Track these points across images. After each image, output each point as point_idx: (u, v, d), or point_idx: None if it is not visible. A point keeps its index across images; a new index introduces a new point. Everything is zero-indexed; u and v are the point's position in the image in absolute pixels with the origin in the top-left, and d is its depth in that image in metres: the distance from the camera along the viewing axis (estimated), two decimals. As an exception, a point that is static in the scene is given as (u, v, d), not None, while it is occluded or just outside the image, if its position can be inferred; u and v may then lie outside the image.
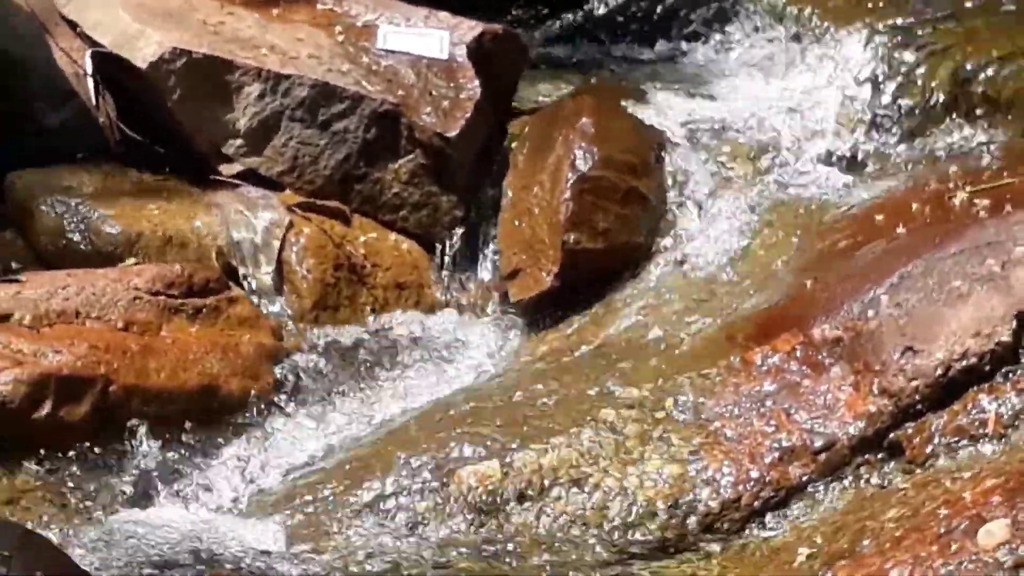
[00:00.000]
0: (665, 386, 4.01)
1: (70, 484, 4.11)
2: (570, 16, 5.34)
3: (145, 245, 4.57)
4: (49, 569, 2.98)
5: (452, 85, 4.83)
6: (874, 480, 3.74)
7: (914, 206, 4.21)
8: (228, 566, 3.75)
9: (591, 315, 4.49)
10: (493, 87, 4.89)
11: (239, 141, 4.77)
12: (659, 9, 5.27)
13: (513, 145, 4.88)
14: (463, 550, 3.79)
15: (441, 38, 4.88)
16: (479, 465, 3.89)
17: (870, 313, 3.91)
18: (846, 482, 3.76)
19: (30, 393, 4.12)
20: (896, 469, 3.74)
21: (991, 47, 4.75)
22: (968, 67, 4.69)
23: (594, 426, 3.95)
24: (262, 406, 4.31)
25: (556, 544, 3.78)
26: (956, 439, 3.70)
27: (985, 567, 3.21)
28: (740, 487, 3.80)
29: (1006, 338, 3.76)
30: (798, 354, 3.93)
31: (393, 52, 4.87)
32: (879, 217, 4.24)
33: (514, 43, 5.06)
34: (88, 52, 4.84)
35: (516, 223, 4.69)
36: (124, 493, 4.09)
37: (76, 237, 4.59)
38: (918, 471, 3.69)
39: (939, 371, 3.77)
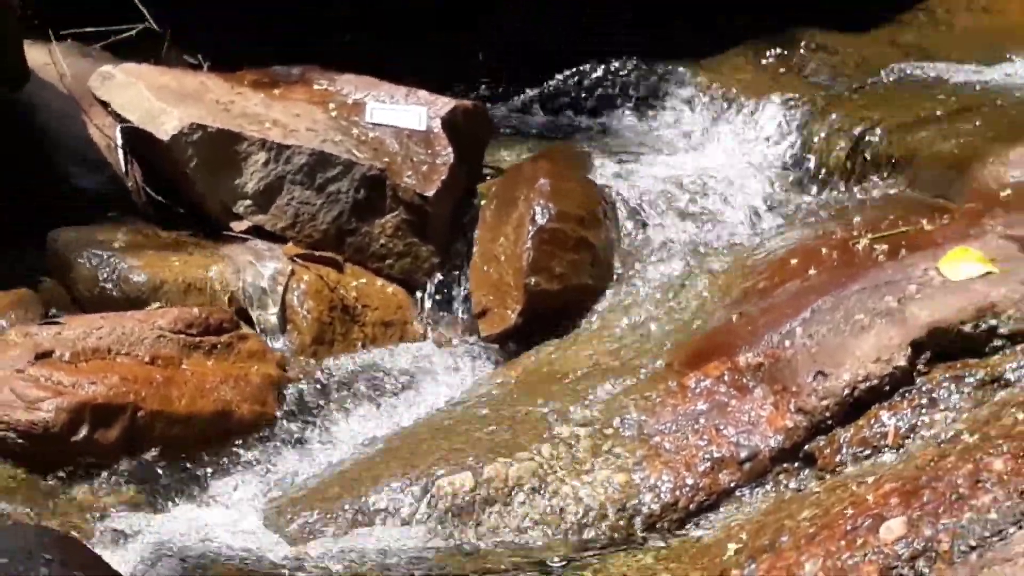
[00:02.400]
0: (613, 407, 4.01)
1: (104, 496, 4.10)
2: (529, 93, 5.36)
3: (168, 291, 4.58)
4: (85, 570, 2.97)
5: (430, 152, 4.84)
6: (791, 485, 3.75)
7: (823, 251, 4.22)
8: (238, 564, 3.75)
9: (549, 347, 4.49)
10: (464, 153, 4.91)
11: (248, 201, 4.78)
12: (603, 87, 5.29)
13: (482, 202, 4.89)
14: (442, 548, 3.80)
15: (420, 113, 4.89)
16: (455, 476, 3.89)
17: (787, 343, 3.92)
18: (767, 487, 3.78)
19: (69, 419, 4.13)
20: (810, 476, 3.76)
21: (880, 116, 4.77)
22: (867, 133, 4.70)
23: (552, 441, 3.96)
24: (269, 428, 4.32)
25: (521, 542, 3.79)
26: (861, 449, 3.72)
27: (885, 558, 3.23)
28: (677, 492, 3.81)
29: (902, 363, 3.77)
30: (726, 378, 3.94)
31: (379, 125, 4.88)
32: (793, 261, 4.25)
33: (482, 116, 5.08)
34: (118, 127, 4.86)
35: (485, 269, 4.70)
36: (151, 503, 4.08)
37: (108, 285, 4.59)
38: (828, 477, 3.70)
39: (846, 391, 3.79)
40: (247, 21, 5.35)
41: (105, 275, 4.60)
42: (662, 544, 3.72)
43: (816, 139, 4.78)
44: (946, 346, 3.77)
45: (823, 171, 4.72)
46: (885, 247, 4.11)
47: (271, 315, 4.60)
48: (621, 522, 3.79)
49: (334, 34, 5.34)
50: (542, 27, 5.51)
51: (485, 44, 5.49)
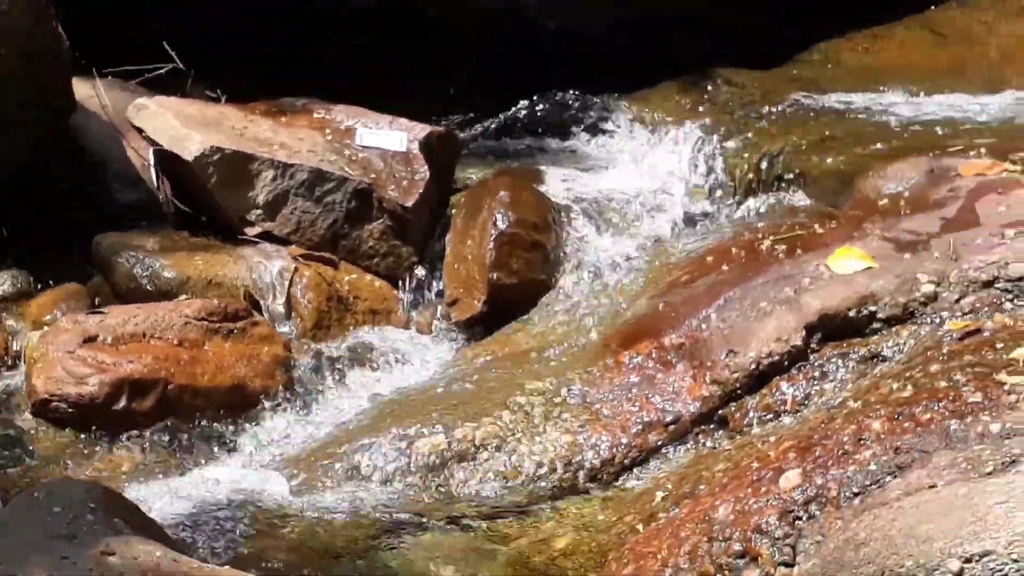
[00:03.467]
0: (561, 380, 4.01)
1: (140, 455, 4.09)
2: (493, 120, 5.33)
3: (192, 285, 4.57)
4: (125, 517, 2.97)
5: (409, 170, 4.84)
6: (708, 444, 3.77)
7: (733, 251, 4.23)
8: (253, 511, 3.75)
9: (508, 330, 4.49)
10: (438, 171, 4.91)
11: (258, 211, 4.77)
12: (556, 115, 5.27)
13: (453, 211, 4.89)
14: (421, 497, 3.80)
15: (401, 137, 4.89)
16: (430, 437, 3.90)
17: (704, 326, 3.93)
18: (688, 445, 3.79)
19: (111, 392, 4.15)
20: (723, 436, 3.77)
21: (785, 139, 4.79)
22: (770, 153, 4.72)
23: (511, 408, 3.96)
24: (277, 398, 4.32)
25: (485, 492, 3.80)
26: (764, 414, 3.74)
27: (784, 503, 3.26)
28: (615, 450, 3.82)
29: (798, 343, 3.80)
30: (653, 356, 3.95)
31: (367, 147, 4.88)
32: (710, 259, 4.26)
33: (453, 139, 5.09)
34: (151, 150, 4.85)
35: (456, 266, 4.70)
36: (179, 461, 4.08)
37: (143, 280, 4.58)
38: (738, 437, 3.73)
39: (752, 366, 3.81)
40: (257, 63, 5.33)
41: (140, 272, 4.59)
42: (602, 493, 3.73)
43: (728, 158, 4.78)
44: (834, 329, 3.79)
45: (733, 184, 4.72)
46: (784, 247, 4.12)
47: (278, 305, 4.59)
48: (568, 475, 3.79)
49: (329, 70, 5.28)
50: (502, 65, 5.49)
51: (455, 80, 5.46)
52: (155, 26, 5.27)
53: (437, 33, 5.47)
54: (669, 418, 3.81)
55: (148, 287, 4.57)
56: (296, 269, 4.66)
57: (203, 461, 4.09)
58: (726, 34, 5.44)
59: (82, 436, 4.10)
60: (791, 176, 4.60)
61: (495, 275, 4.56)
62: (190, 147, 4.74)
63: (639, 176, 4.91)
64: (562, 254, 4.63)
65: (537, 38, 5.51)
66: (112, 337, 4.22)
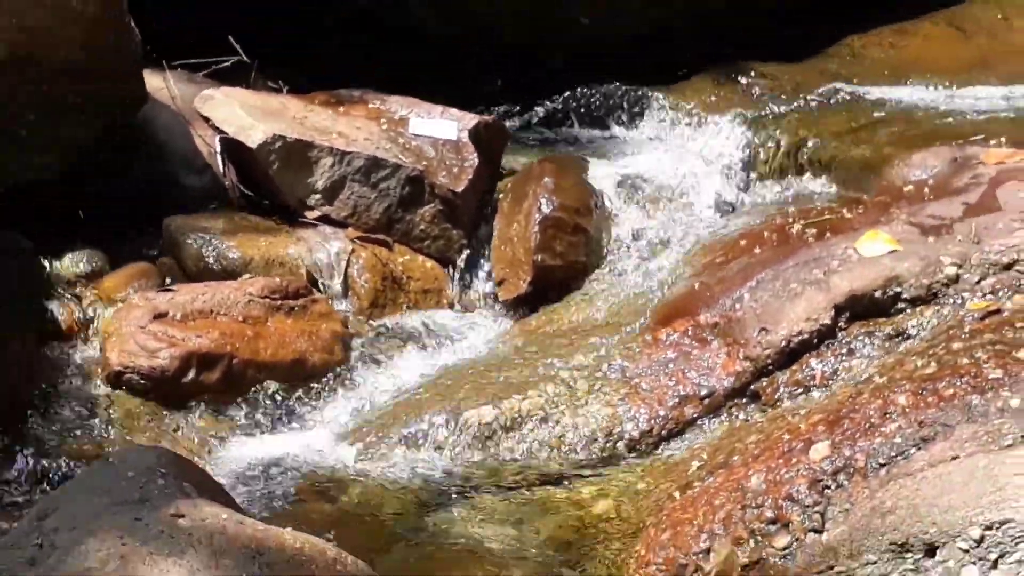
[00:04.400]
0: (602, 356, 4.01)
1: (207, 424, 4.11)
2: (536, 111, 5.33)
3: (256, 265, 4.59)
4: (193, 481, 2.98)
5: (459, 157, 4.85)
6: (741, 417, 3.76)
7: (765, 234, 4.22)
8: (315, 475, 3.76)
9: (552, 309, 4.50)
10: (486, 158, 4.91)
11: (318, 196, 4.78)
12: (595, 106, 5.27)
13: (500, 196, 4.89)
14: (469, 464, 3.82)
15: (452, 126, 4.90)
16: (479, 408, 3.91)
17: (737, 306, 3.92)
18: (722, 418, 3.78)
19: (180, 365, 4.17)
20: (755, 409, 3.76)
21: (814, 128, 4.78)
22: (801, 142, 4.70)
23: (555, 382, 3.97)
24: (335, 372, 4.33)
25: (530, 460, 3.81)
26: (795, 388, 3.73)
27: (814, 473, 3.25)
28: (652, 422, 3.82)
29: (827, 321, 3.78)
30: (689, 333, 3.94)
31: (419, 136, 4.89)
32: (743, 242, 4.25)
33: (500, 128, 5.08)
34: (217, 138, 4.87)
35: (502, 248, 4.71)
36: (243, 430, 4.11)
37: (210, 260, 4.60)
38: (770, 410, 3.72)
39: (783, 343, 3.80)
40: (317, 55, 5.34)
41: (207, 253, 4.61)
42: (640, 462, 3.73)
43: (761, 146, 4.77)
44: (861, 308, 3.78)
45: (766, 171, 4.71)
46: (814, 231, 4.11)
47: (336, 284, 4.61)
48: (608, 445, 3.80)
49: (385, 66, 5.29)
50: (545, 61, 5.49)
51: (503, 73, 5.47)
52: (221, 20, 5.26)
53: (484, 32, 5.45)
54: (704, 392, 3.80)
55: (214, 267, 4.58)
56: (353, 250, 4.67)
57: (266, 430, 4.11)
58: (760, 32, 5.41)
59: (153, 406, 4.13)
60: (821, 164, 4.58)
61: (539, 257, 4.57)
62: (254, 135, 4.76)
63: (676, 163, 4.89)
64: (603, 237, 4.63)
65: (576, 35, 5.47)
66: (181, 313, 4.25)
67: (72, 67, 4.54)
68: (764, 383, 3.76)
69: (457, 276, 4.78)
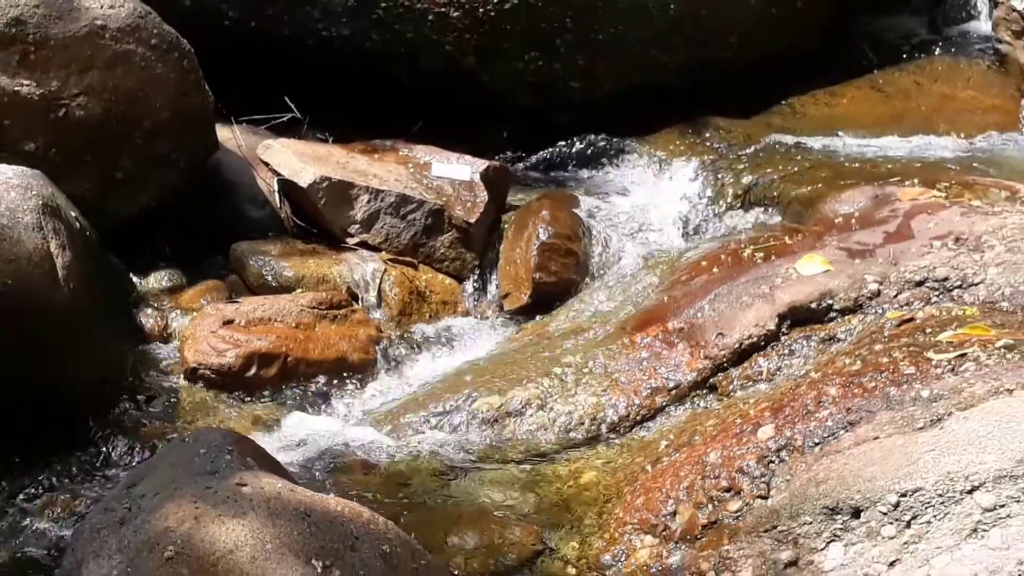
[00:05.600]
0: (589, 355, 4.00)
1: (266, 411, 4.11)
2: (534, 158, 5.35)
3: (306, 282, 4.58)
4: (254, 456, 2.99)
5: (472, 195, 4.86)
6: (701, 404, 3.75)
7: (722, 257, 4.22)
8: (355, 451, 3.77)
9: (548, 318, 4.49)
10: (494, 195, 4.91)
11: (357, 225, 4.78)
12: (584, 153, 5.29)
13: (505, 226, 4.89)
14: (480, 443, 3.82)
15: (466, 169, 4.92)
16: (488, 398, 3.91)
17: (699, 314, 3.92)
18: (686, 406, 3.77)
19: (244, 362, 4.16)
20: (713, 399, 3.75)
21: (761, 171, 4.78)
22: (752, 180, 4.71)
23: (550, 376, 3.95)
24: (371, 368, 4.32)
25: (527, 441, 3.81)
26: (746, 382, 3.73)
27: (760, 450, 3.25)
28: (629, 408, 3.82)
29: (772, 327, 3.79)
30: (660, 337, 3.93)
31: (440, 177, 4.90)
32: (703, 263, 4.25)
33: (505, 171, 5.09)
34: (275, 179, 4.87)
35: (507, 268, 4.71)
36: (296, 416, 4.09)
37: (269, 278, 4.60)
38: (725, 399, 3.71)
39: (736, 345, 3.80)
40: (356, 112, 5.36)
41: (266, 272, 4.61)
42: (619, 441, 3.73)
43: (718, 186, 4.77)
44: (800, 317, 3.78)
45: (723, 206, 4.71)
46: (762, 254, 4.10)
47: (371, 297, 4.60)
48: (593, 427, 3.79)
49: (413, 121, 5.30)
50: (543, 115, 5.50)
51: (509, 126, 5.47)
52: (279, 84, 5.29)
53: (494, 92, 5.46)
54: (671, 384, 3.80)
55: (272, 283, 4.58)
56: (385, 270, 4.67)
57: (313, 415, 4.10)
58: (717, 94, 5.42)
59: (221, 395, 4.12)
60: (767, 200, 4.58)
61: (538, 275, 4.55)
62: (305, 177, 4.76)
63: (649, 199, 4.90)
64: (590, 259, 4.62)
65: (570, 98, 5.48)
66: (245, 321, 4.25)
67: (159, 123, 4.57)
68: (720, 377, 3.76)
69: (470, 290, 4.77)
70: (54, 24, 4.36)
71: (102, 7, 4.44)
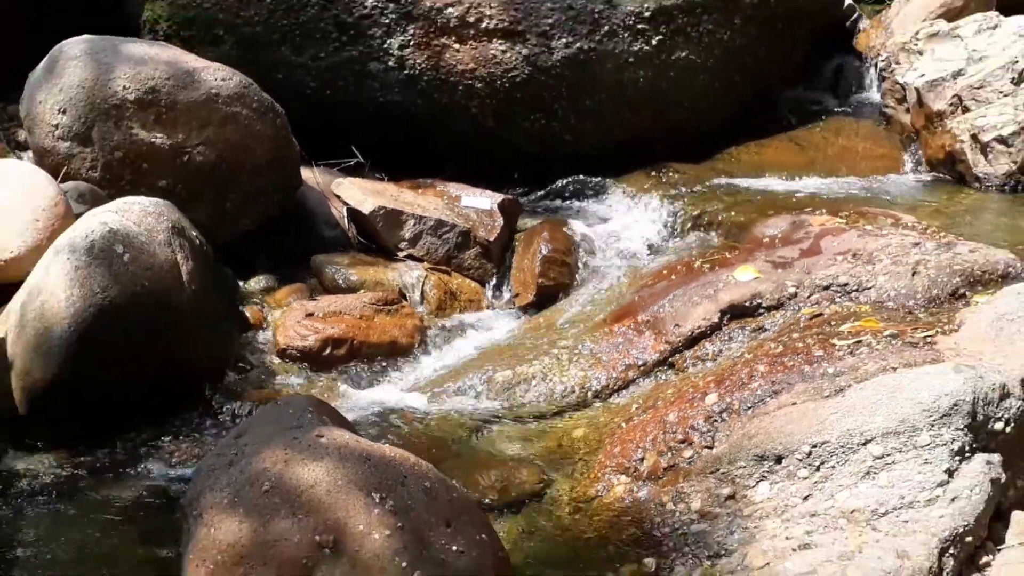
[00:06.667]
0: (578, 340, 3.99)
1: (336, 382, 4.11)
2: (538, 193, 5.34)
3: (367, 285, 4.56)
4: (328, 415, 2.99)
5: (491, 220, 4.84)
6: (663, 378, 3.74)
7: (678, 267, 4.22)
8: (404, 411, 3.75)
9: (548, 312, 4.47)
10: (508, 221, 4.89)
11: (405, 243, 4.77)
12: (574, 190, 5.27)
13: (516, 243, 4.86)
14: (497, 406, 3.81)
15: (487, 200, 4.91)
16: (503, 371, 3.90)
17: (660, 310, 3.91)
18: (651, 378, 3.76)
19: (321, 345, 4.16)
20: (672, 373, 3.74)
21: (708, 203, 4.76)
22: (700, 210, 4.69)
23: (549, 356, 3.94)
24: (417, 350, 4.30)
25: (532, 404, 3.80)
26: (696, 361, 3.72)
27: (707, 412, 3.25)
28: (609, 380, 3.81)
29: (715, 320, 3.78)
30: (632, 327, 3.93)
31: (467, 207, 4.89)
32: (664, 272, 4.25)
33: (516, 203, 5.06)
34: (344, 207, 4.86)
35: (518, 274, 4.69)
36: (360, 385, 4.09)
37: (340, 281, 4.58)
38: (681, 374, 3.70)
39: (689, 333, 3.80)
40: (406, 158, 5.35)
41: (338, 277, 4.58)
42: (602, 405, 3.72)
43: (676, 213, 4.75)
44: (737, 312, 3.78)
45: (679, 229, 4.69)
46: (708, 265, 4.10)
47: (416, 296, 4.58)
48: (582, 394, 3.78)
49: (447, 165, 5.28)
50: (544, 162, 5.48)
51: (520, 169, 5.45)
52: (347, 137, 5.28)
53: (508, 144, 5.45)
54: (640, 362, 3.80)
55: (342, 285, 4.56)
56: (426, 276, 4.65)
57: (372, 385, 4.10)
58: (675, 145, 5.40)
59: (304, 369, 4.12)
60: (712, 224, 4.55)
61: (540, 280, 4.54)
62: (367, 206, 4.75)
63: (624, 224, 4.87)
64: (580, 268, 4.60)
65: (564, 147, 5.46)
66: (322, 313, 4.24)
67: (258, 167, 4.58)
68: (677, 358, 3.76)
69: (490, 291, 4.75)
70: (180, 92, 4.38)
71: (216, 79, 4.45)
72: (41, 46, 4.51)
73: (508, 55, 5.12)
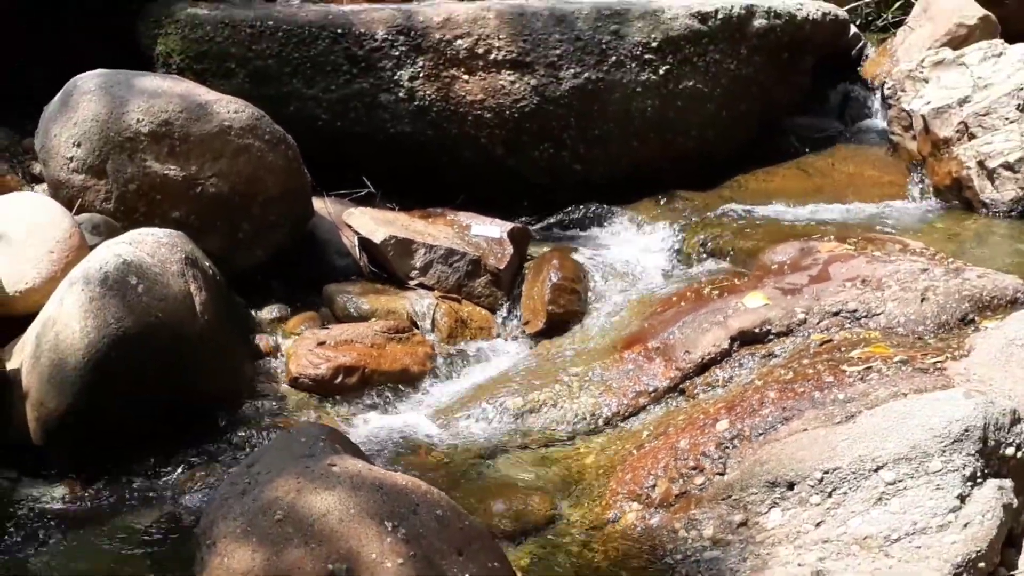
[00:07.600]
0: (589, 367, 3.99)
1: (348, 410, 4.11)
2: (547, 221, 5.35)
3: (379, 313, 4.56)
4: (341, 443, 2.98)
5: (501, 248, 4.84)
6: (673, 404, 3.73)
7: (688, 294, 4.22)
8: (414, 438, 3.75)
9: (558, 339, 4.46)
10: (517, 249, 4.88)
11: (416, 271, 4.76)
12: (584, 218, 5.28)
13: (526, 271, 4.86)
14: (507, 432, 3.80)
15: (497, 229, 4.91)
16: (513, 398, 3.90)
17: (670, 337, 3.91)
18: (662, 405, 3.75)
19: (332, 373, 4.15)
20: (682, 400, 3.73)
21: (716, 230, 4.76)
22: (708, 237, 4.69)
23: (560, 382, 3.94)
24: (427, 377, 4.30)
25: (546, 430, 3.79)
26: (706, 387, 3.71)
27: (719, 439, 3.22)
28: (619, 407, 3.80)
29: (725, 346, 3.77)
30: (642, 353, 3.93)
31: (477, 235, 4.89)
32: (674, 298, 4.24)
33: (525, 231, 5.06)
34: (356, 237, 4.87)
35: (528, 302, 4.68)
36: (369, 411, 4.09)
37: (351, 310, 4.57)
38: (691, 401, 3.69)
39: (699, 359, 3.79)
40: (416, 189, 5.37)
41: (350, 305, 4.58)
42: (613, 431, 3.72)
43: (684, 240, 4.76)
44: (746, 339, 3.77)
45: (688, 256, 4.69)
46: (718, 292, 4.09)
47: (427, 323, 4.58)
48: (593, 421, 3.77)
49: (457, 195, 5.30)
50: (555, 191, 5.50)
51: (530, 198, 5.47)
52: (358, 167, 5.30)
53: (517, 173, 5.48)
54: (651, 389, 3.79)
55: (354, 314, 4.56)
56: (437, 304, 4.65)
57: (384, 413, 4.09)
58: (683, 174, 5.42)
59: (316, 398, 4.12)
60: (721, 251, 4.56)
61: (550, 307, 4.52)
62: (378, 235, 4.76)
63: (633, 251, 4.87)
64: (589, 296, 4.59)
65: (573, 177, 5.48)
66: (334, 342, 4.24)
67: (270, 198, 4.60)
68: (687, 384, 3.75)
69: (500, 319, 4.74)
70: (193, 124, 4.41)
71: (229, 112, 4.48)
72: (59, 77, 4.55)
73: (517, 86, 5.15)
